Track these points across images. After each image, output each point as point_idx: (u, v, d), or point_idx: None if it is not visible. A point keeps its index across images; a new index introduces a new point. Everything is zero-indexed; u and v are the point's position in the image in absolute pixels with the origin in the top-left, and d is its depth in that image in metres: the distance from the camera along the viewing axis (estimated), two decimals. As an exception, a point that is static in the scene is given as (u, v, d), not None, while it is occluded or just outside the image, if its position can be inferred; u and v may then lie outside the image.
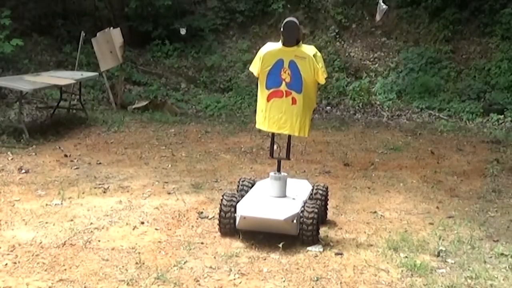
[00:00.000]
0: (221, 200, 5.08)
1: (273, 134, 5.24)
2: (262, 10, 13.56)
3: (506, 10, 12.12)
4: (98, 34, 10.65)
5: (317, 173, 7.39)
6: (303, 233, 4.87)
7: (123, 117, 10.08)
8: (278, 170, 5.22)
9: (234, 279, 4.31)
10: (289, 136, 5.22)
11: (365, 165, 7.82)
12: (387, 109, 11.43)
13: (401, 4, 13.14)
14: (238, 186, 5.59)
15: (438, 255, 4.86)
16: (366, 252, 4.90)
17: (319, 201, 5.28)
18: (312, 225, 4.85)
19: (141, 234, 5.10)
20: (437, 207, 6.20)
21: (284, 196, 5.16)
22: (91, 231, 5.10)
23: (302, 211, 4.89)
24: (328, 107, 11.67)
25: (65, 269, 4.36)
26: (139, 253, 4.68)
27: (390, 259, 4.77)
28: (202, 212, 5.67)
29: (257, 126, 5.23)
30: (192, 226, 5.32)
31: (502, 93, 11.22)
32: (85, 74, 10.23)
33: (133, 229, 5.21)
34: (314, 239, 4.91)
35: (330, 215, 5.71)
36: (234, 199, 5.06)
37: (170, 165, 7.50)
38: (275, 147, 5.28)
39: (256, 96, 5.34)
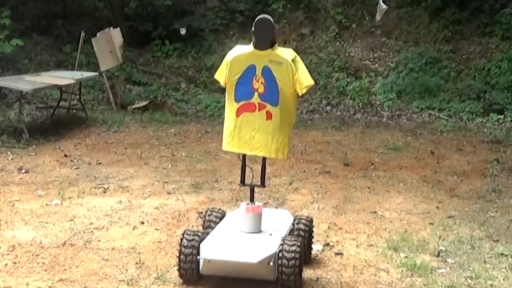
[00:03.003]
0: (181, 239, 4.15)
1: (244, 156, 4.34)
2: (262, 10, 13.50)
3: (506, 10, 12.12)
4: (98, 34, 10.64)
5: (317, 173, 7.38)
6: (283, 277, 3.95)
7: (123, 117, 10.08)
8: (252, 199, 4.33)
9: (234, 279, 4.31)
10: (264, 159, 4.34)
11: (365, 165, 7.82)
12: (387, 109, 11.42)
13: (401, 4, 13.14)
14: (204, 220, 4.63)
15: (438, 255, 4.86)
16: (366, 252, 4.90)
17: (302, 237, 4.35)
18: (293, 268, 3.94)
19: (141, 234, 5.10)
20: (437, 207, 6.20)
21: (259, 231, 4.26)
22: (91, 231, 5.10)
23: (280, 251, 3.98)
24: (328, 107, 11.66)
25: (65, 269, 4.36)
26: (139, 253, 4.69)
27: (390, 259, 4.76)
28: (202, 212, 5.66)
29: (224, 147, 4.28)
30: (192, 226, 5.32)
31: (502, 93, 11.21)
32: (85, 74, 10.22)
33: (133, 229, 5.21)
34: (297, 283, 4.01)
35: (330, 215, 5.71)
36: (196, 237, 4.12)
37: (170, 165, 7.50)
38: (247, 171, 4.36)
39: None
